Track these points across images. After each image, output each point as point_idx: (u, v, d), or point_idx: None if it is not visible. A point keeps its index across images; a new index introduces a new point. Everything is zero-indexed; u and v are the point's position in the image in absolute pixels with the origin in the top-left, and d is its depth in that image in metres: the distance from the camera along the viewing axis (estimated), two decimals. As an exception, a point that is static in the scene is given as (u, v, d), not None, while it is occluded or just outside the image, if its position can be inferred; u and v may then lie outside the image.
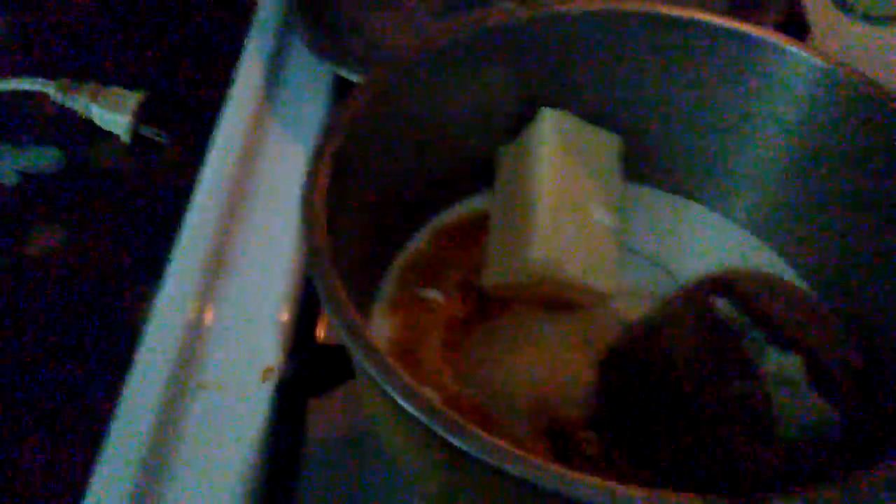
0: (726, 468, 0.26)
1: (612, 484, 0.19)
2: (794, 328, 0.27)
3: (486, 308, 0.34)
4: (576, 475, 0.20)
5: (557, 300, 0.33)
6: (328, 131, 0.29)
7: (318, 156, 0.28)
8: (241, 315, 0.39)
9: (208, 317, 0.39)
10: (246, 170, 0.45)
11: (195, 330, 0.38)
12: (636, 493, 0.19)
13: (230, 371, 0.37)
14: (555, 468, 0.20)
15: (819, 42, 0.52)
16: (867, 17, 0.55)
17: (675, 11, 0.33)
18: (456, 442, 0.21)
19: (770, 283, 0.29)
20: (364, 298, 0.34)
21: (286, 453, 0.36)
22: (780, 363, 0.27)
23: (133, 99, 0.48)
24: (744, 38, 0.31)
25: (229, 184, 0.44)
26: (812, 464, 0.26)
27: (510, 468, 0.20)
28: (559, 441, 0.30)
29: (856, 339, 0.31)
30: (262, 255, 0.42)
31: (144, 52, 0.53)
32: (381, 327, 0.34)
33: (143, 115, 0.48)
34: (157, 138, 0.48)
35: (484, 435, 0.21)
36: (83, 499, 0.32)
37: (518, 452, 0.20)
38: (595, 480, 0.19)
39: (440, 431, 0.21)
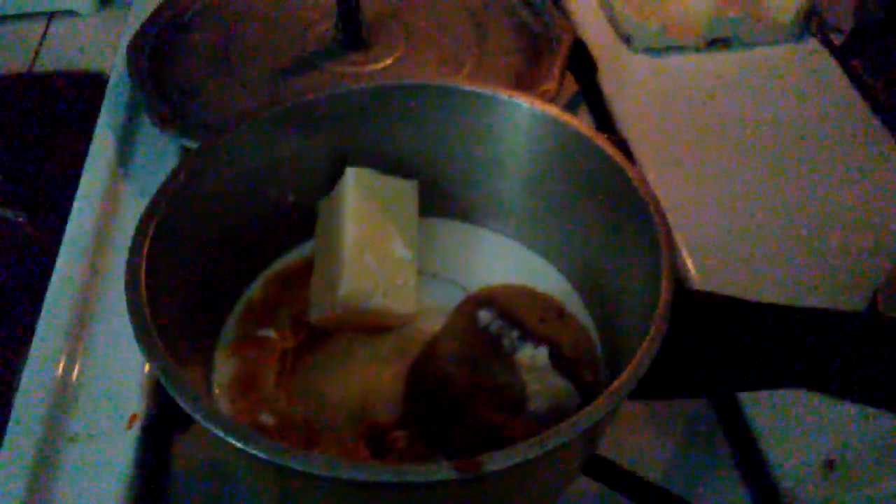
0: (494, 443, 0.33)
1: (357, 462, 0.26)
2: (541, 327, 0.35)
3: (314, 339, 0.40)
4: (325, 459, 0.26)
5: (372, 325, 0.40)
6: (150, 206, 0.34)
7: (139, 232, 0.33)
8: (106, 371, 0.44)
9: (75, 375, 0.43)
10: (103, 238, 0.50)
11: (63, 388, 0.43)
12: (375, 466, 0.26)
13: (99, 422, 0.42)
14: (314, 456, 0.26)
15: (606, 75, 0.62)
16: (647, 50, 0.65)
17: (441, 82, 0.40)
18: (254, 451, 0.27)
19: (522, 294, 0.36)
20: (207, 343, 0.40)
21: (157, 489, 0.41)
22: (531, 355, 0.34)
23: (-12, 184, 0.52)
24: (484, 96, 0.40)
25: (88, 253, 0.49)
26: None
27: (285, 461, 0.26)
28: (376, 442, 0.36)
29: (604, 326, 0.39)
30: (122, 317, 0.46)
31: (-3, 138, 0.57)
32: (224, 366, 0.39)
33: (1, 197, 0.52)
34: (15, 218, 0.52)
35: (265, 439, 0.27)
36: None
37: (295, 449, 0.26)
38: (339, 461, 0.26)
39: (233, 442, 0.27)
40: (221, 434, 0.27)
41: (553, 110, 0.37)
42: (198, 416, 0.28)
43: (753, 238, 0.50)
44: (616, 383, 0.29)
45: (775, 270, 0.48)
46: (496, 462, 0.26)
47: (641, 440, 0.41)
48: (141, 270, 0.32)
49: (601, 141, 0.36)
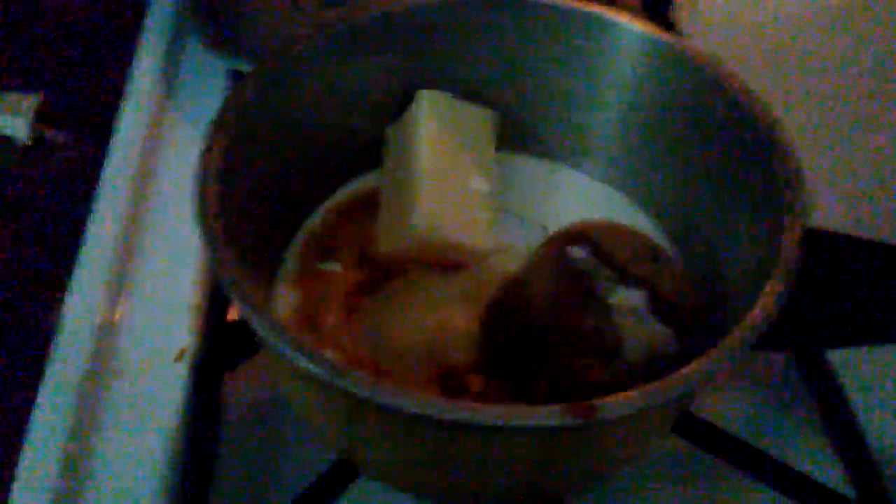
0: (584, 390, 0.30)
1: (470, 403, 0.23)
2: (637, 268, 0.32)
3: (381, 275, 0.37)
4: (433, 399, 0.23)
5: (443, 261, 0.37)
6: (217, 121, 0.31)
7: (208, 145, 0.30)
8: (153, 303, 0.41)
9: (121, 307, 0.41)
10: (148, 164, 0.47)
11: (108, 321, 0.40)
12: (490, 408, 0.23)
13: (146, 356, 0.39)
14: (426, 396, 0.24)
15: (681, 9, 0.57)
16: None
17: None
18: (344, 384, 0.24)
19: (617, 231, 0.33)
20: (267, 275, 0.37)
21: (206, 427, 0.38)
22: (625, 297, 0.31)
23: (30, 101, 0.49)
24: (580, 14, 0.36)
25: (132, 179, 0.46)
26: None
27: (380, 398, 0.23)
28: (448, 384, 0.33)
29: (700, 271, 0.36)
30: (170, 246, 0.43)
31: (39, 55, 0.54)
32: (285, 300, 0.37)
33: (42, 117, 0.49)
34: (57, 139, 0.49)
35: (367, 376, 0.24)
36: (9, 489, 0.34)
37: (394, 386, 0.24)
38: (451, 402, 0.23)
39: (326, 376, 0.24)
40: (304, 363, 0.24)
41: (663, 33, 0.34)
42: (279, 344, 0.25)
43: (849, 174, 0.46)
44: (739, 331, 0.26)
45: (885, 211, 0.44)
46: (612, 409, 0.23)
47: (722, 395, 0.39)
48: (211, 185, 0.29)
49: (723, 69, 0.32)
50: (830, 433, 0.38)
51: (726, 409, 0.38)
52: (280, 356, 0.26)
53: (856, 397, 0.38)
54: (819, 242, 0.30)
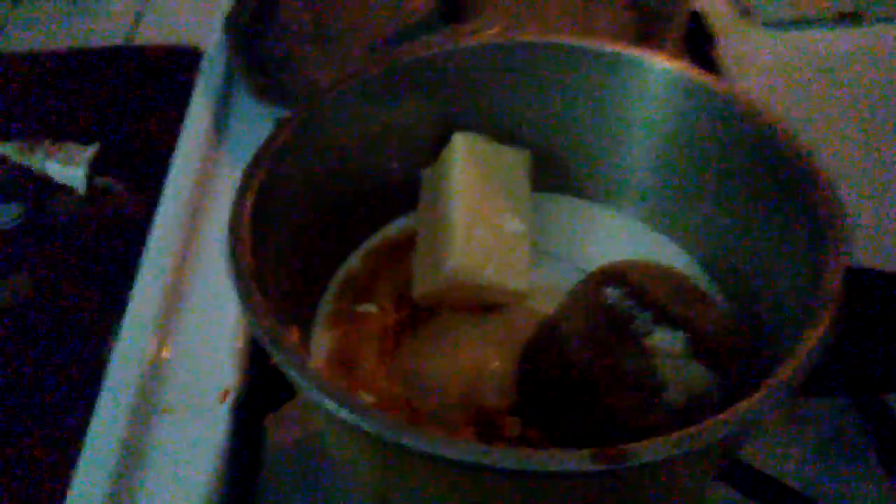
0: (622, 435, 0.29)
1: (491, 447, 0.23)
2: (677, 308, 0.31)
3: (417, 316, 0.37)
4: (459, 442, 0.23)
5: (480, 303, 0.37)
6: (252, 165, 0.32)
7: (242, 188, 0.31)
8: (200, 344, 0.42)
9: (168, 347, 0.42)
10: (197, 210, 0.48)
11: (156, 360, 0.41)
12: (509, 452, 0.22)
13: (191, 395, 0.40)
14: (449, 438, 0.23)
15: (723, 49, 0.57)
16: (767, 23, 0.60)
17: (563, 39, 0.37)
18: (371, 427, 0.24)
19: (655, 271, 0.32)
20: (305, 316, 0.38)
21: (247, 465, 0.39)
22: (664, 339, 0.30)
23: (86, 153, 0.51)
24: (613, 55, 0.36)
25: (182, 225, 0.47)
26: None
27: (407, 442, 0.23)
28: (484, 426, 0.33)
29: (741, 312, 0.35)
30: (217, 289, 0.45)
31: (95, 107, 0.57)
32: (321, 341, 0.37)
33: (98, 166, 0.52)
34: (111, 187, 0.52)
35: (394, 419, 0.24)
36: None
37: (415, 428, 0.23)
38: (477, 446, 0.23)
39: (355, 420, 0.24)
40: (333, 407, 0.24)
41: (693, 71, 0.33)
42: (307, 387, 0.25)
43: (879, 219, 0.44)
44: (780, 376, 0.25)
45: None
46: (643, 454, 0.23)
47: (776, 441, 0.37)
48: (244, 230, 0.30)
49: (755, 105, 0.31)
50: (892, 482, 0.36)
51: (780, 456, 0.36)
52: (311, 400, 0.26)
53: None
54: (864, 282, 0.29)
